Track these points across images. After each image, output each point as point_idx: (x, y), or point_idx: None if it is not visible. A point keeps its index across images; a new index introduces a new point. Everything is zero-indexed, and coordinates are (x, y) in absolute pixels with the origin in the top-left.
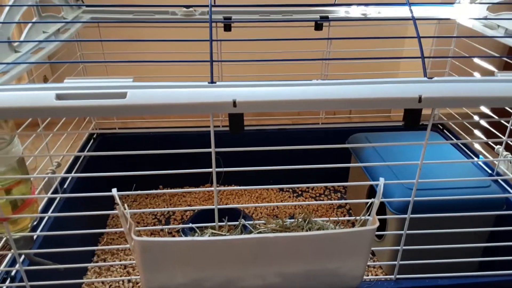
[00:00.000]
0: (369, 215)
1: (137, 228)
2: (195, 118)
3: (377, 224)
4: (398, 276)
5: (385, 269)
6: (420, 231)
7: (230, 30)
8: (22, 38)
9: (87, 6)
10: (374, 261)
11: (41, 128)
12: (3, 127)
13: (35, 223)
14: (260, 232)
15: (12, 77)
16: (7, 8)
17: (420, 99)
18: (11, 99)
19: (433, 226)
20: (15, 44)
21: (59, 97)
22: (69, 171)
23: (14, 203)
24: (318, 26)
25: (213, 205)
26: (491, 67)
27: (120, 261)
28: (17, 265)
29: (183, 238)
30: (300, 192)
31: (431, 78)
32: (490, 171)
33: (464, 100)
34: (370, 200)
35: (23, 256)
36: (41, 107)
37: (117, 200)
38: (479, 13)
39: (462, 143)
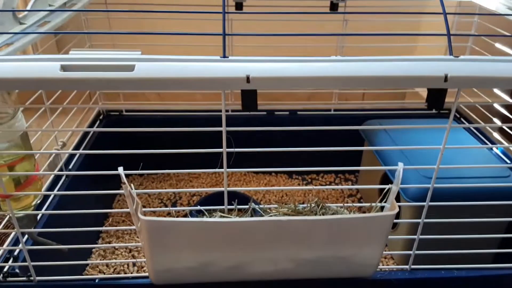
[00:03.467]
0: (384, 202)
1: (144, 209)
2: (204, 101)
3: (397, 209)
4: (413, 266)
5: (397, 259)
6: (438, 220)
7: (241, 9)
8: (27, 9)
9: None
10: (385, 251)
11: (47, 105)
12: (6, 100)
13: (38, 201)
14: (271, 216)
15: (16, 49)
16: None
17: (446, 78)
18: (14, 69)
19: (449, 216)
20: (20, 15)
21: (64, 68)
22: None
23: (17, 180)
24: (334, 6)
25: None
26: None
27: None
28: (20, 245)
29: (193, 219)
30: (310, 180)
31: (457, 56)
32: (508, 161)
33: (493, 80)
34: (387, 186)
35: (26, 236)
36: (45, 79)
37: (124, 178)
38: None
39: (480, 133)
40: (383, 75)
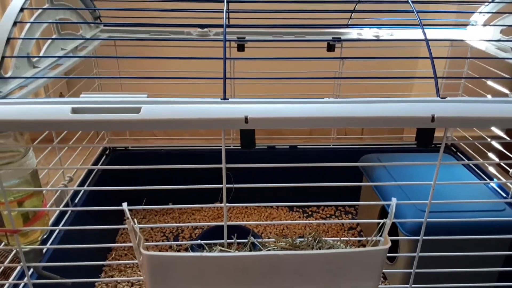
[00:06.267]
0: (380, 236)
1: (146, 243)
2: (207, 136)
3: (389, 244)
4: None
5: None
6: (433, 254)
7: (243, 50)
8: (41, 54)
9: (105, 25)
10: (385, 285)
11: (55, 142)
12: (19, 140)
13: (45, 236)
14: (269, 250)
15: (30, 91)
16: (28, 25)
17: (433, 119)
18: (28, 112)
19: (446, 249)
20: (34, 59)
21: (75, 111)
22: (80, 186)
23: (25, 216)
24: (331, 47)
25: (222, 223)
26: (505, 90)
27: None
28: (26, 279)
29: (193, 254)
30: (310, 213)
31: (444, 98)
32: (504, 195)
33: (477, 120)
34: (381, 221)
35: (31, 270)
36: (57, 121)
37: (127, 214)
38: (493, 36)
39: (476, 167)
40: (374, 116)
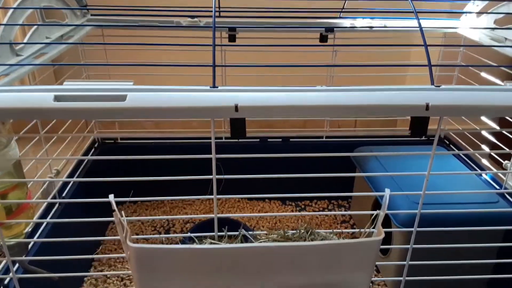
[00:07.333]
0: (373, 228)
1: (134, 236)
2: (199, 128)
3: (383, 235)
4: None
5: (390, 285)
6: (427, 246)
7: (234, 40)
8: (24, 42)
9: (92, 14)
10: (378, 277)
11: (42, 134)
12: (0, 129)
13: (30, 229)
14: (261, 243)
15: (12, 79)
16: (10, 11)
17: (427, 107)
18: (9, 100)
19: (439, 241)
20: (17, 47)
21: (57, 98)
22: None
23: (8, 208)
24: (323, 38)
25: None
26: (498, 81)
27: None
28: (10, 273)
29: (180, 246)
30: (303, 206)
31: (439, 86)
32: (498, 187)
33: (472, 108)
34: (375, 212)
35: (17, 264)
36: (39, 108)
37: (114, 206)
38: (486, 25)
39: (470, 159)
40: (367, 104)
